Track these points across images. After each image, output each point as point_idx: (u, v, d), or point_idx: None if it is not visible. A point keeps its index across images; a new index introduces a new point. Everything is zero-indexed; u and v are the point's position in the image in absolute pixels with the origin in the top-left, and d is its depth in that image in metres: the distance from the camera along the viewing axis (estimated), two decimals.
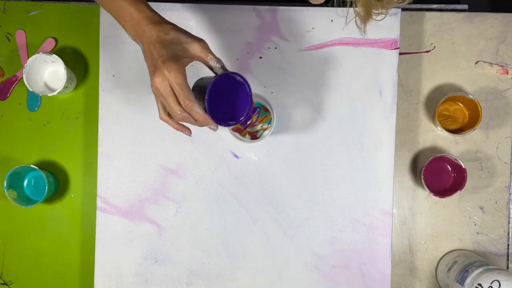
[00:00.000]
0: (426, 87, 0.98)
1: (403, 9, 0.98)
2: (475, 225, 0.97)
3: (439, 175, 0.97)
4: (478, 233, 0.97)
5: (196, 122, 0.70)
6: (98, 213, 0.92)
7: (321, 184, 0.92)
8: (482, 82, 0.98)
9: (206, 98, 0.68)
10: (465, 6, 1.00)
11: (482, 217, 0.97)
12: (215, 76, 0.70)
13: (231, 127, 0.76)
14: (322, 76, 0.93)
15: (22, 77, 0.94)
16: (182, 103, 0.67)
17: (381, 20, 0.60)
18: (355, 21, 0.62)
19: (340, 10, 0.60)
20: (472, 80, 0.98)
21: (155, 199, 0.93)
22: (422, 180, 0.92)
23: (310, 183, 0.92)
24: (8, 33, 0.98)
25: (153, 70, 0.67)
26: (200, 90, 0.70)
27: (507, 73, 0.98)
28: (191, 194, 0.93)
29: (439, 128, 0.95)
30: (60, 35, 0.98)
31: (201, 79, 0.73)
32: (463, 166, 0.92)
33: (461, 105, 0.97)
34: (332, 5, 0.57)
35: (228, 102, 0.72)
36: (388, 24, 0.92)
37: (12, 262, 0.97)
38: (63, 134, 0.98)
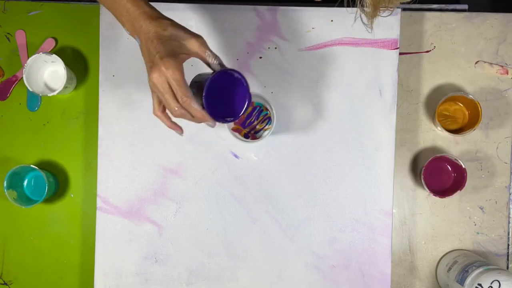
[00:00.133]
0: (426, 87, 0.98)
1: (403, 9, 0.98)
2: (475, 225, 0.97)
3: (439, 175, 0.97)
4: (478, 233, 0.97)
5: (193, 118, 0.70)
6: (98, 213, 0.92)
7: (321, 184, 0.92)
8: (482, 82, 0.98)
9: (203, 94, 0.68)
10: (465, 6, 1.00)
11: (482, 217, 0.97)
12: (212, 73, 0.69)
13: (229, 123, 0.76)
14: (322, 76, 0.93)
15: (22, 77, 0.94)
16: (179, 99, 0.67)
17: (387, 16, 0.60)
18: (361, 18, 0.62)
19: (347, 8, 0.60)
20: (472, 80, 0.98)
21: (155, 199, 0.93)
22: (422, 180, 0.92)
23: (310, 183, 0.92)
24: (8, 33, 0.98)
25: (151, 66, 0.67)
26: (197, 86, 0.70)
27: (507, 73, 0.98)
28: (191, 194, 0.93)
29: (439, 128, 0.95)
30: (60, 35, 0.98)
31: (199, 75, 0.73)
32: (463, 166, 0.92)
33: (461, 105, 0.97)
34: (336, 3, 0.57)
35: (226, 99, 0.72)
36: (388, 24, 0.92)
37: (12, 262, 0.97)
38: (63, 134, 0.98)
